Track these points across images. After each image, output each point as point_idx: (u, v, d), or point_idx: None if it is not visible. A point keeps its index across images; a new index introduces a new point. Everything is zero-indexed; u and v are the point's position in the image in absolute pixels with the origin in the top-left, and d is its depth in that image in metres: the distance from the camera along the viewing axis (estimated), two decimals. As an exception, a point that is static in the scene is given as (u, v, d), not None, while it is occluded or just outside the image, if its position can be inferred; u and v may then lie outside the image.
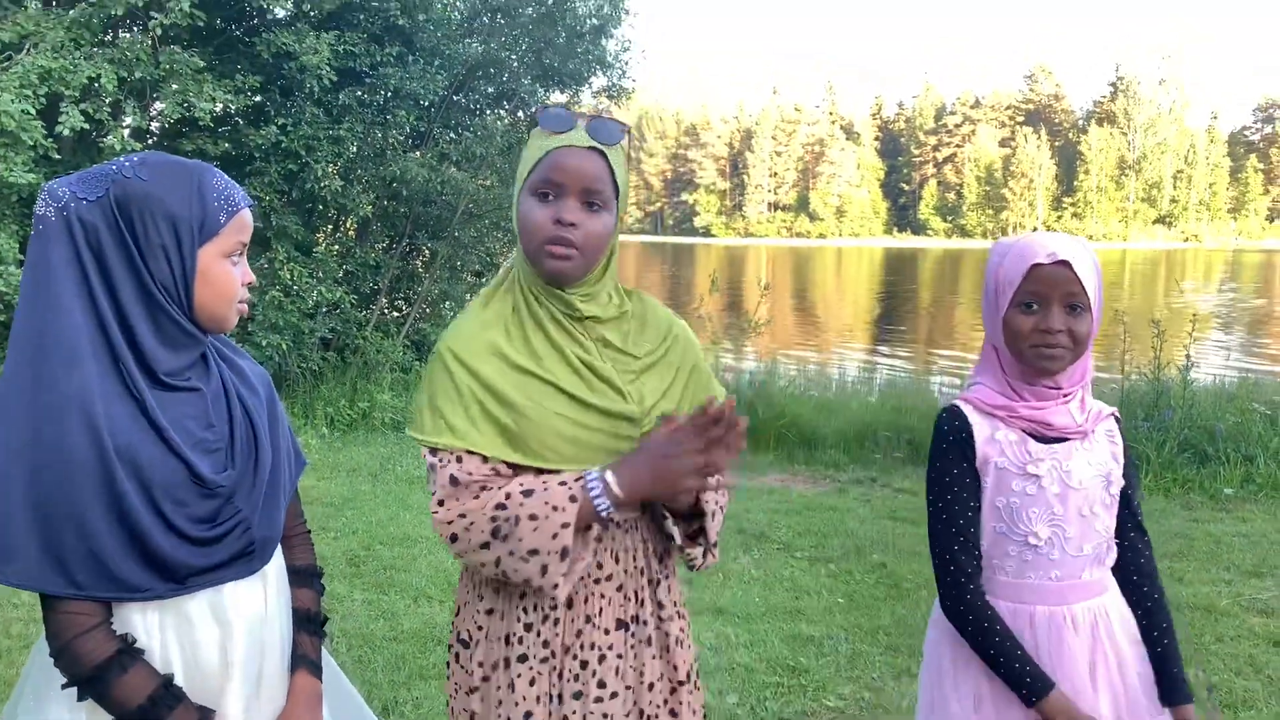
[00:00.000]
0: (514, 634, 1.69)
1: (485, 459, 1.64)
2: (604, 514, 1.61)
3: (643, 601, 1.74)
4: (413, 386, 9.24)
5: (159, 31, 7.83)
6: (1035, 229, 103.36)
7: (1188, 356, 7.29)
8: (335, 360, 9.37)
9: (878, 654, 4.01)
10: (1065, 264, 1.73)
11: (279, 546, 1.70)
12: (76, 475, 1.41)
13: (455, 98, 10.48)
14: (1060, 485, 1.79)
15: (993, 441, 1.81)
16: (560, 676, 1.69)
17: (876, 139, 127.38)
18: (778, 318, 17.48)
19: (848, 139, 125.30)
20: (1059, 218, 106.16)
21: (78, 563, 1.42)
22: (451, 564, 4.85)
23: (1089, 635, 1.81)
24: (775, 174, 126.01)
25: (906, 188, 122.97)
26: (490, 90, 10.89)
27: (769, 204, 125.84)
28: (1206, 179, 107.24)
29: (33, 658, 1.59)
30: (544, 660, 1.68)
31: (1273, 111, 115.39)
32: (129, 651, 1.47)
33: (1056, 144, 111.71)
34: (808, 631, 4.24)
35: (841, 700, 3.64)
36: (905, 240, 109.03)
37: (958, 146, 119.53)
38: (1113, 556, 1.88)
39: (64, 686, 1.46)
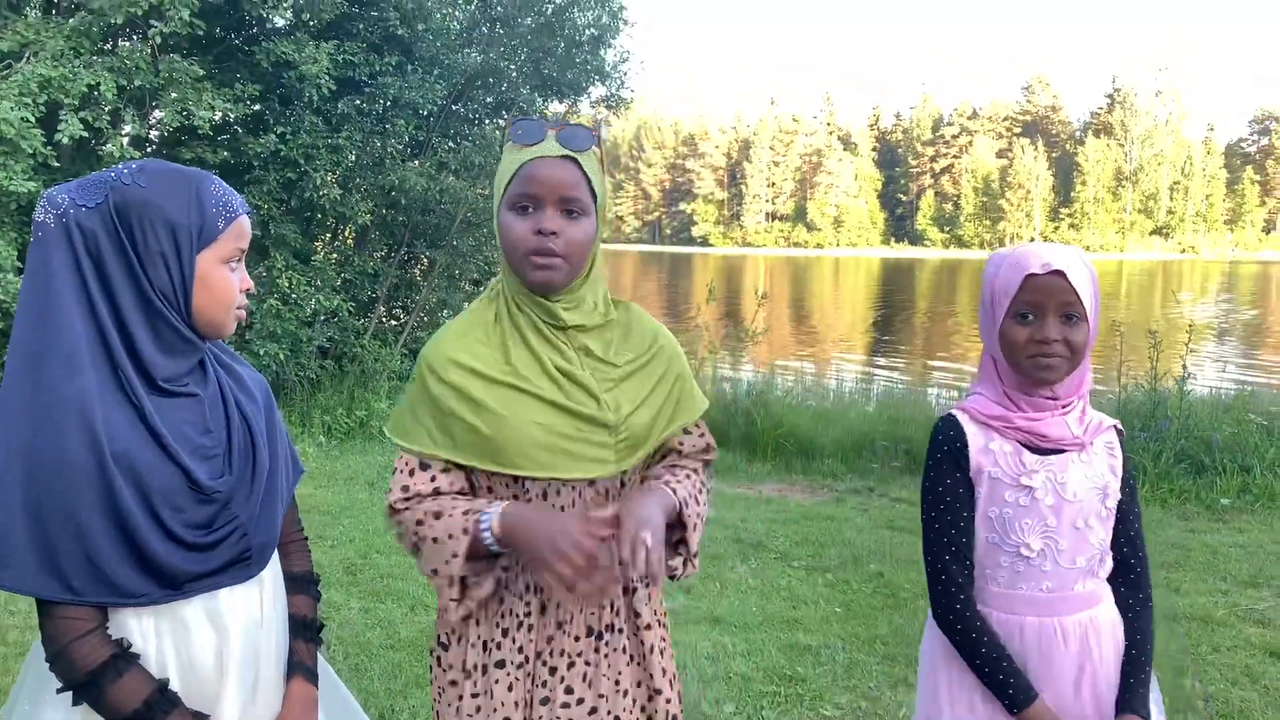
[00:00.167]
0: (492, 639, 1.71)
1: (446, 468, 1.69)
2: (492, 549, 1.63)
3: (617, 610, 1.75)
4: (410, 395, 9.22)
5: (158, 40, 7.84)
6: (1032, 239, 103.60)
7: (1184, 367, 7.30)
8: (333, 368, 9.37)
9: (875, 663, 4.01)
10: (1060, 274, 1.73)
11: (276, 553, 1.71)
12: (74, 480, 1.41)
13: (454, 107, 10.51)
14: (1054, 497, 1.79)
15: (987, 451, 1.82)
16: (533, 683, 1.71)
17: (874, 149, 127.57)
18: (775, 327, 17.51)
19: (845, 149, 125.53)
20: (1056, 228, 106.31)
21: (74, 567, 1.43)
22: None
23: (1079, 647, 1.81)
24: (773, 184, 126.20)
25: (904, 198, 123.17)
26: (489, 100, 10.92)
27: (766, 214, 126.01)
28: (1203, 190, 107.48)
29: (28, 662, 1.59)
30: (520, 666, 1.70)
31: (1269, 124, 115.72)
32: (124, 656, 1.47)
33: (1053, 155, 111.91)
34: (805, 641, 4.24)
35: (839, 710, 3.63)
36: (903, 250, 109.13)
37: (955, 157, 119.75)
38: (1107, 568, 1.87)
39: (59, 691, 1.46)
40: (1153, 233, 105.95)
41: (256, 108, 8.90)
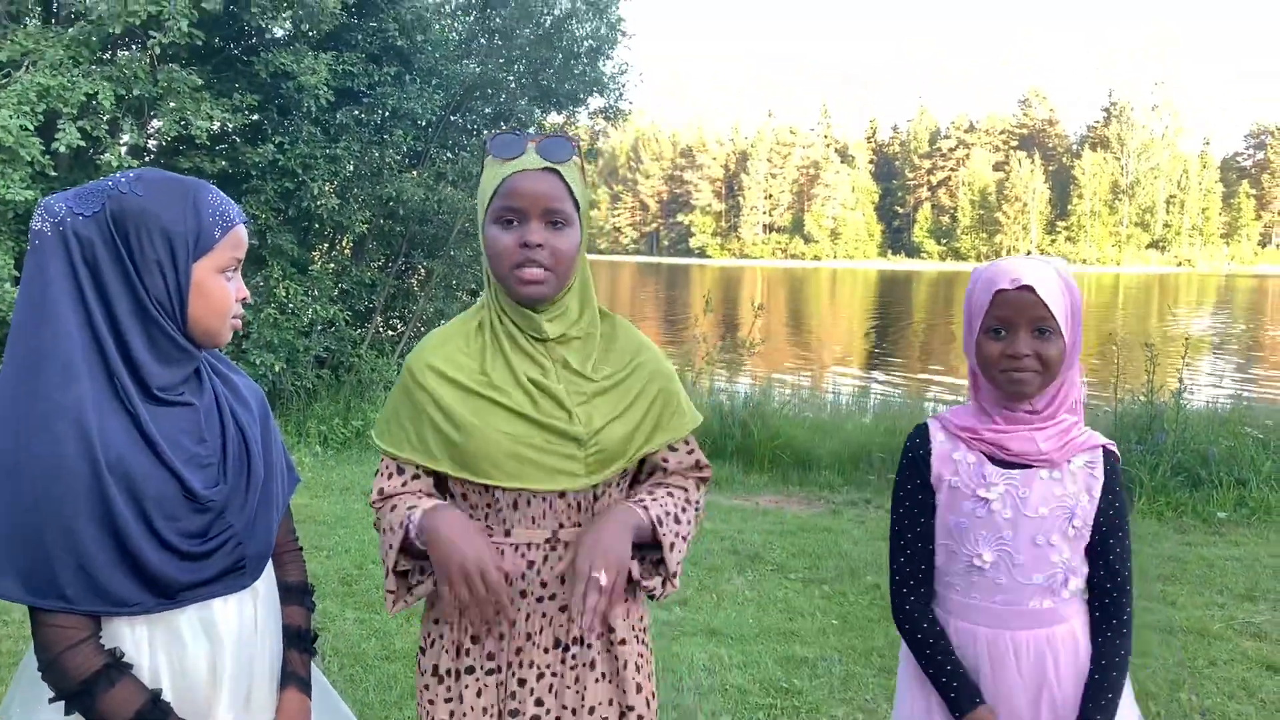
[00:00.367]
0: (463, 646, 1.73)
1: (418, 474, 1.74)
2: (420, 544, 1.66)
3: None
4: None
5: (157, 50, 7.86)
6: (1029, 253, 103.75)
7: (1180, 380, 7.31)
8: (329, 378, 9.36)
9: (871, 675, 4.00)
10: (1029, 289, 1.74)
11: (270, 563, 1.70)
12: (68, 488, 1.41)
13: (452, 118, 10.54)
14: (1013, 511, 1.79)
15: (949, 461, 1.84)
16: (504, 692, 1.71)
17: (871, 162, 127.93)
18: (772, 339, 17.52)
19: (843, 162, 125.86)
20: (1053, 241, 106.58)
21: (67, 576, 1.42)
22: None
23: (1033, 664, 1.80)
24: (770, 196, 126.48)
25: (901, 210, 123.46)
26: (487, 111, 10.95)
27: (764, 226, 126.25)
28: (1199, 204, 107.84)
29: (21, 670, 1.58)
30: (490, 673, 1.71)
31: (1264, 138, 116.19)
32: (117, 666, 1.46)
33: (1050, 168, 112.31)
34: (801, 653, 4.23)
35: (834, 722, 3.63)
36: (899, 263, 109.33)
37: (952, 170, 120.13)
38: (1073, 589, 1.82)
39: (51, 700, 1.46)
40: (1149, 246, 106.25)
41: (255, 118, 8.91)
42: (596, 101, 11.42)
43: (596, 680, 1.73)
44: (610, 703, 1.74)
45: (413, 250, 10.62)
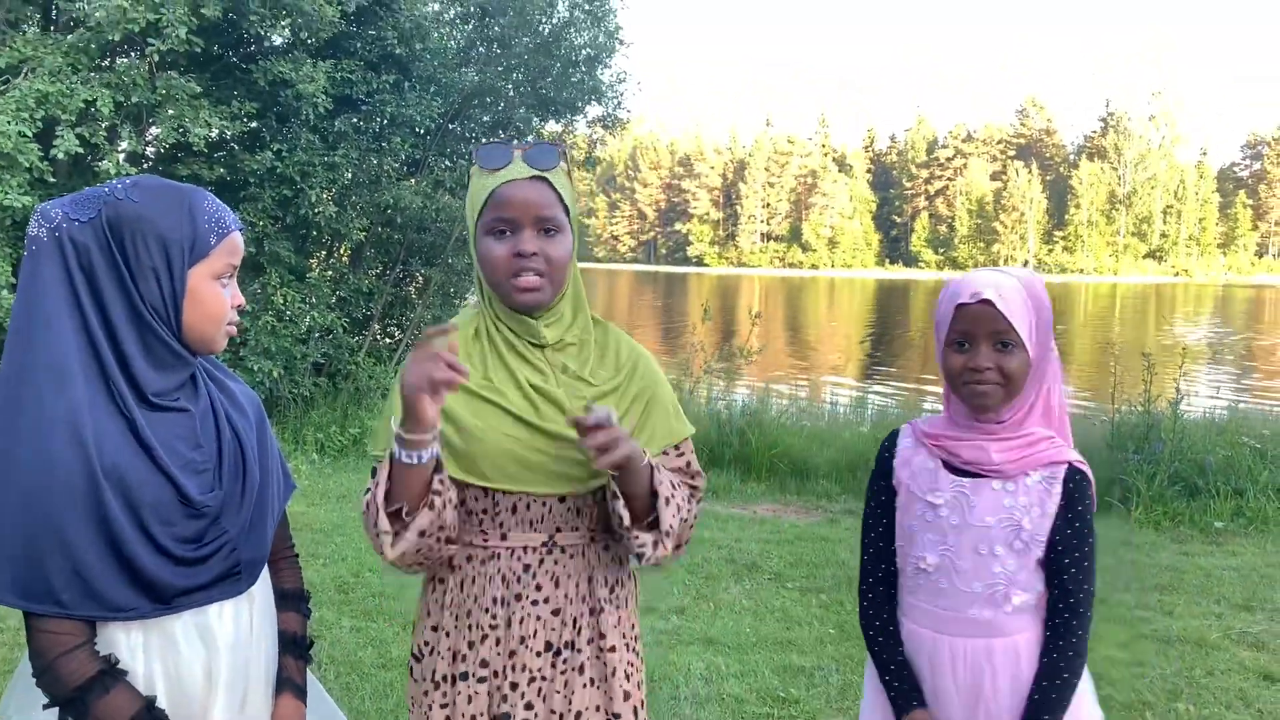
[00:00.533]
0: (459, 652, 1.72)
1: None
2: (403, 458, 1.56)
3: (580, 629, 1.74)
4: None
5: (156, 57, 7.86)
6: (1026, 262, 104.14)
7: (1178, 390, 7.31)
8: (327, 386, 9.35)
9: (868, 685, 3.99)
10: (989, 303, 1.74)
11: (266, 569, 1.70)
12: (62, 493, 1.41)
13: (451, 126, 10.54)
14: (960, 518, 1.80)
15: (908, 465, 1.88)
16: (494, 696, 1.71)
17: (869, 171, 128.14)
18: (770, 348, 17.52)
19: (840, 171, 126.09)
20: (1050, 251, 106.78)
21: (62, 581, 1.42)
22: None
23: (969, 673, 1.80)
24: (768, 205, 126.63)
25: (898, 220, 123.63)
26: (486, 119, 10.96)
27: (762, 234, 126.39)
28: (1196, 214, 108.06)
29: (16, 676, 1.58)
30: (482, 680, 1.71)
31: (1260, 148, 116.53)
32: (111, 672, 1.46)
33: (1047, 178, 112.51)
34: (799, 662, 4.22)
35: (831, 731, 3.62)
36: (897, 272, 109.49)
37: (949, 179, 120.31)
38: (1016, 604, 1.79)
39: (45, 707, 1.45)
40: (1146, 256, 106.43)
41: (253, 125, 8.92)
42: (595, 110, 11.44)
43: (585, 685, 1.73)
44: (597, 709, 1.74)
45: (410, 258, 10.62)
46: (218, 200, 1.58)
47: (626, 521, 1.66)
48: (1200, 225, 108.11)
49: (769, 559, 5.75)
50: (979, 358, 1.76)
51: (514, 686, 1.70)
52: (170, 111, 7.98)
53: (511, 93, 10.74)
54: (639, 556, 1.70)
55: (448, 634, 1.74)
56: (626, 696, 1.75)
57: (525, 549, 1.71)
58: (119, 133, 8.13)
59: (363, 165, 9.35)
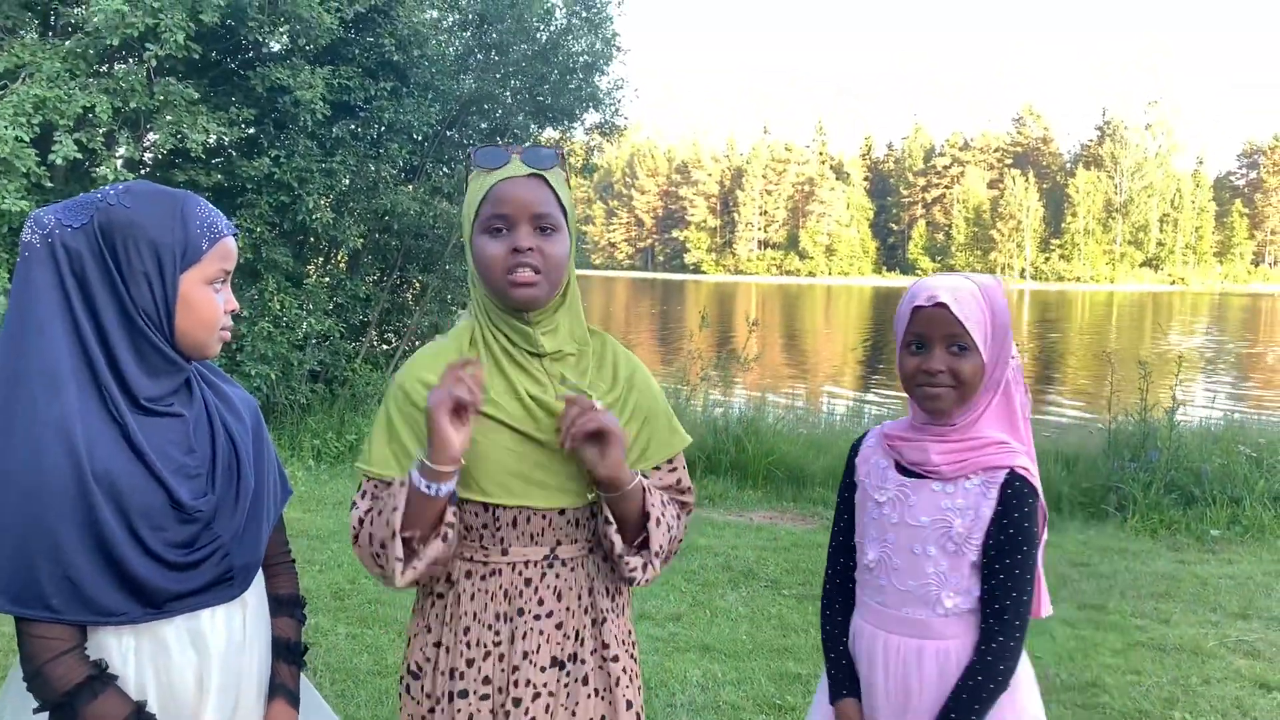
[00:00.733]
0: (458, 669, 1.69)
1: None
2: (423, 488, 1.55)
3: (583, 640, 1.72)
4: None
5: (154, 63, 7.86)
6: (1023, 271, 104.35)
7: (1174, 398, 7.32)
8: (323, 392, 9.34)
9: (864, 693, 3.98)
10: (944, 306, 1.75)
11: (260, 574, 1.69)
12: (53, 499, 1.40)
13: (448, 133, 10.56)
14: (899, 516, 1.83)
15: (865, 463, 1.93)
16: (497, 714, 1.67)
17: (866, 179, 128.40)
18: (767, 355, 17.52)
19: (838, 179, 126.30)
20: (1047, 259, 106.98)
21: (52, 586, 1.42)
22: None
23: (900, 673, 1.82)
24: (765, 212, 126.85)
25: (896, 227, 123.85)
26: (483, 126, 10.97)
27: (759, 242, 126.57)
28: (1193, 223, 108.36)
29: (9, 680, 1.58)
30: (484, 697, 1.67)
31: (1257, 157, 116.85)
32: (100, 677, 1.46)
33: (1044, 186, 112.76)
34: (795, 669, 4.22)
35: (827, 739, 3.61)
36: (894, 279, 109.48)
37: (946, 187, 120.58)
38: (948, 606, 1.79)
39: (36, 711, 1.45)
40: (1143, 264, 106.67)
41: (251, 131, 8.92)
42: (592, 117, 11.46)
43: (589, 696, 1.71)
44: (602, 718, 1.72)
45: (408, 264, 10.62)
46: (210, 205, 1.58)
47: (619, 549, 1.67)
48: (1197, 234, 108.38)
49: (765, 566, 5.74)
50: (932, 360, 1.78)
51: (516, 702, 1.67)
52: (168, 117, 7.98)
53: (509, 99, 10.75)
54: (629, 580, 1.71)
55: (447, 651, 1.71)
56: (629, 705, 1.74)
57: (527, 563, 1.69)
58: (117, 138, 8.12)
59: (360, 171, 9.35)
